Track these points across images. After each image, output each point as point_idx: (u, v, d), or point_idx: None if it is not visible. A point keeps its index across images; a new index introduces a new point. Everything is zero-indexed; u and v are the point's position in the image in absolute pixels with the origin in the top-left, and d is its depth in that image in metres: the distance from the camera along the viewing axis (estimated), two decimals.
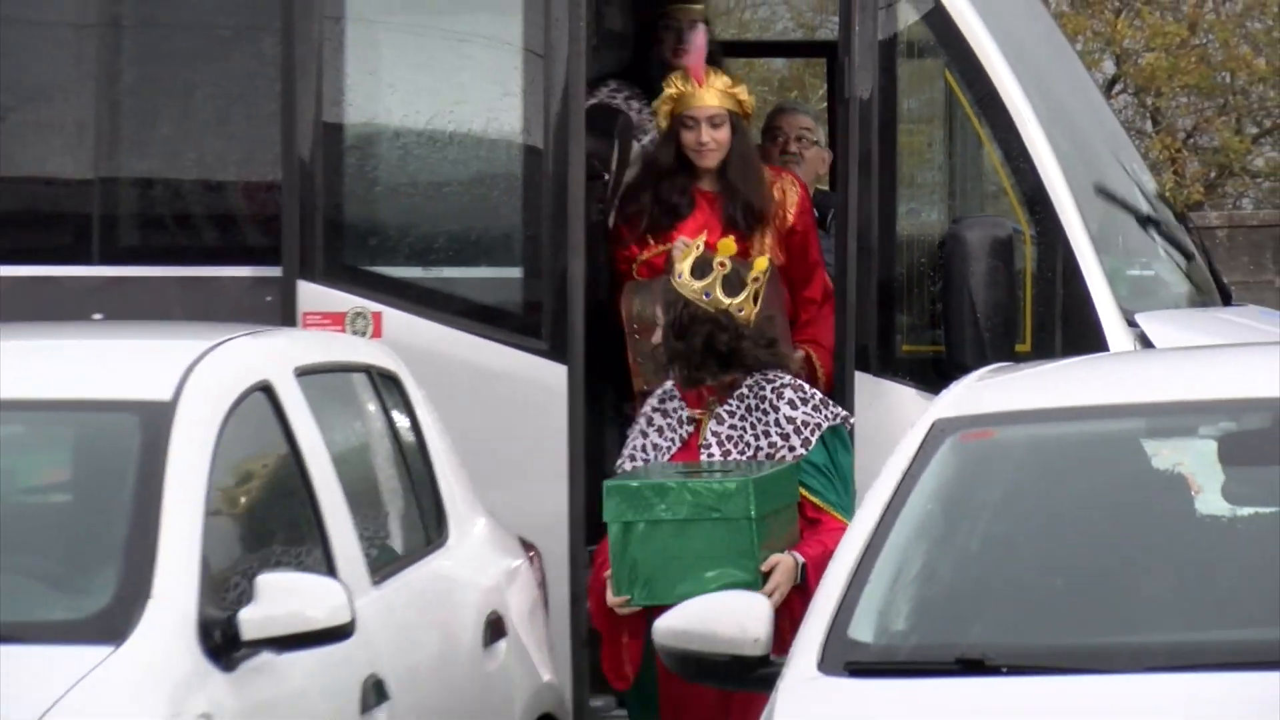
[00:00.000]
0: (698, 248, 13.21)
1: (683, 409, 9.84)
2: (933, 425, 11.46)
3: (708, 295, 13.09)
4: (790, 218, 14.02)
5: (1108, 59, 31.89)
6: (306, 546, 12.63)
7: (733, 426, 9.55)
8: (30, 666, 11.19)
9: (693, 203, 14.55)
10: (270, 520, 12.86)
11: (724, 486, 9.37)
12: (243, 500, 12.07)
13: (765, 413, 9.26)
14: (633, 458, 10.62)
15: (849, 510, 12.07)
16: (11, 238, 16.34)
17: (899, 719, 10.37)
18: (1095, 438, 11.92)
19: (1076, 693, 10.27)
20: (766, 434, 9.20)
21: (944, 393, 11.97)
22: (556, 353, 16.18)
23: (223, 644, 11.35)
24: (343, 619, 11.47)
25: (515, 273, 16.55)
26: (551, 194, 16.01)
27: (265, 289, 15.69)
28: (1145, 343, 15.52)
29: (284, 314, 15.35)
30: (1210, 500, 11.35)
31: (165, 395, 12.36)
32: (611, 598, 9.85)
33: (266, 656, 11.52)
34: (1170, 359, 14.53)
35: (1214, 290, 17.24)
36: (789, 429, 9.41)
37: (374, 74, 16.36)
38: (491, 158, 16.44)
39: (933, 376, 13.99)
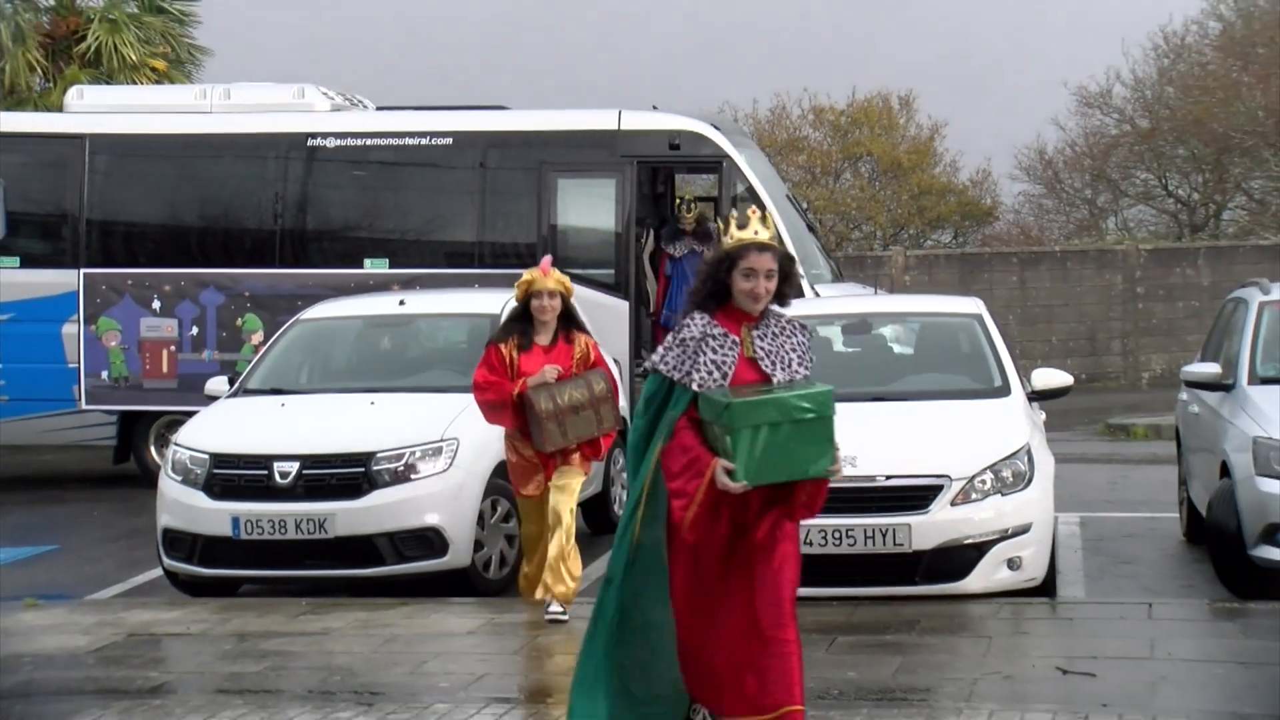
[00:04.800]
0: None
1: (728, 335, 5.98)
2: None
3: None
4: (593, 356, 9.27)
5: (803, 200, 31.30)
6: None
7: (771, 344, 5.98)
8: (448, 402, 10.50)
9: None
10: None
11: (815, 395, 5.92)
12: None
13: (788, 337, 6.00)
14: (700, 370, 5.99)
15: None
16: (452, 258, 16.02)
17: None
18: (805, 324, 11.42)
19: None
20: (795, 349, 5.98)
21: None
22: (623, 292, 15.53)
23: None
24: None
25: (610, 271, 15.68)
26: (625, 245, 15.70)
27: None
28: (816, 294, 14.64)
29: None
30: (838, 345, 11.09)
31: (495, 311, 11.45)
32: (731, 483, 5.73)
33: None
34: (827, 301, 13.31)
35: (840, 278, 16.99)
36: (800, 351, 6.01)
37: (566, 206, 15.92)
38: (600, 233, 15.93)
39: None
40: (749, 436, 5.75)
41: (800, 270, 6.00)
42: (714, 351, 5.95)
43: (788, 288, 6.06)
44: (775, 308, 6.01)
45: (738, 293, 5.94)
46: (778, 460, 5.77)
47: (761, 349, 5.98)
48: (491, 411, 9.24)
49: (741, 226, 6.03)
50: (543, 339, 9.25)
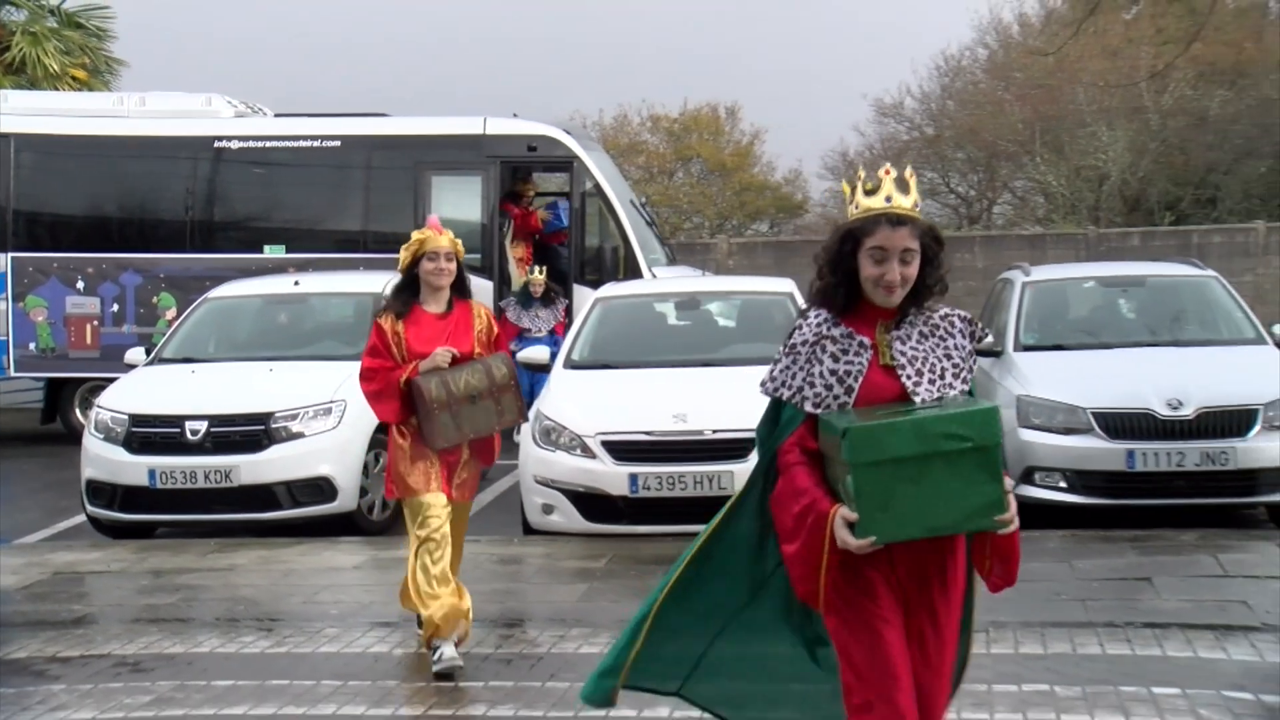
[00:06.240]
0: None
1: (854, 336, 3.58)
2: (595, 299, 11.21)
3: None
4: (495, 329, 6.67)
5: (643, 196, 31.22)
6: None
7: (915, 348, 3.58)
8: (337, 369, 10.33)
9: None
10: None
11: (971, 415, 3.37)
12: None
13: (941, 339, 3.59)
14: (815, 384, 3.59)
15: None
16: (341, 245, 15.74)
17: (580, 382, 9.82)
18: (643, 300, 11.43)
19: (643, 378, 9.78)
20: (950, 355, 3.59)
21: (598, 290, 11.78)
22: (488, 274, 15.35)
23: None
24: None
25: (478, 255, 15.38)
26: (490, 233, 15.60)
27: None
28: (654, 277, 14.83)
29: None
30: (673, 319, 11.31)
31: (378, 290, 11.40)
32: (851, 539, 3.35)
33: None
34: (662, 281, 13.69)
35: (674, 261, 17.05)
36: (959, 357, 3.61)
37: (439, 200, 15.63)
38: (469, 223, 15.72)
39: (597, 285, 13.60)
40: (875, 475, 3.45)
41: (944, 256, 3.74)
42: (834, 359, 3.68)
43: (930, 275, 3.69)
44: (933, 305, 3.75)
45: (865, 280, 3.67)
46: (919, 507, 3.46)
47: (902, 354, 3.67)
48: (376, 402, 6.56)
49: (871, 192, 3.68)
50: (435, 307, 6.60)
